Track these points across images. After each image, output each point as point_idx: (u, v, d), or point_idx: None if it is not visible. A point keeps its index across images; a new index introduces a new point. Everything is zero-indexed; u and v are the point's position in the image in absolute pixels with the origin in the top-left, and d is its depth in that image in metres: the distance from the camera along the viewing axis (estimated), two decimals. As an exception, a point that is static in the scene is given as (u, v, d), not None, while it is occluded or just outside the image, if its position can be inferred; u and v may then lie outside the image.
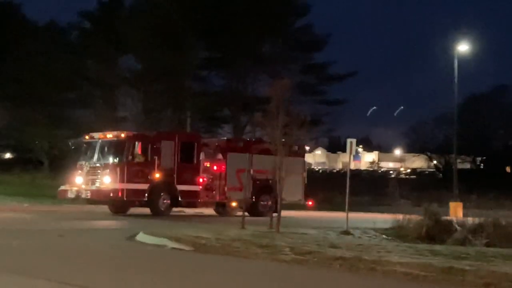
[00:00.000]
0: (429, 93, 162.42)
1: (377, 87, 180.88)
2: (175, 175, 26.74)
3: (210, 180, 28.13)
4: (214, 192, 28.21)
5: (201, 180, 27.96)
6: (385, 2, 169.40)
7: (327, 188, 43.57)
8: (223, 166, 28.38)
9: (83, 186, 25.94)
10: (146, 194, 25.68)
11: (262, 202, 28.93)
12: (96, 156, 26.14)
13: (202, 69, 58.10)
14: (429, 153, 76.87)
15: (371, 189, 45.55)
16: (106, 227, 23.63)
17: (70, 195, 26.41)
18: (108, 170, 25.47)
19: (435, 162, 75.83)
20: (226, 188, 28.35)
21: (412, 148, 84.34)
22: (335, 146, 74.12)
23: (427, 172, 79.01)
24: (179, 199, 27.03)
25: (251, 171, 27.13)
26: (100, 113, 58.29)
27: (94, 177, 25.83)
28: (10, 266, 12.02)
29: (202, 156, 28.39)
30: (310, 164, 68.86)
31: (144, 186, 25.67)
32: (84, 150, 27.42)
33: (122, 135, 26.09)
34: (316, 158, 75.57)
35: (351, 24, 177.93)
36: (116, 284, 11.25)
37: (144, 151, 26.00)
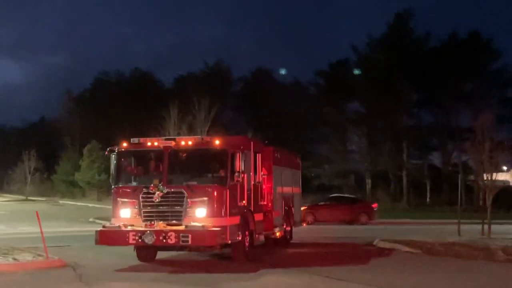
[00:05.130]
0: None
1: None
2: (252, 200, 14.88)
3: (265, 204, 16.47)
4: (266, 220, 16.25)
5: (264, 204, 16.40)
6: None
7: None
8: (271, 185, 16.80)
9: (158, 224, 12.84)
10: (239, 231, 13.78)
11: (287, 227, 18.52)
12: (167, 176, 13.31)
13: (414, 107, 57.56)
14: None
15: None
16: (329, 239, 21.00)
17: (138, 239, 12.71)
18: (206, 198, 12.98)
19: None
20: (273, 214, 16.78)
21: None
22: (531, 166, 69.33)
23: None
24: (255, 234, 14.99)
25: (282, 189, 17.96)
26: (333, 148, 59.55)
27: (178, 209, 13.00)
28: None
29: None
30: (508, 181, 64.45)
31: (237, 220, 13.71)
32: (137, 164, 14.37)
33: (217, 141, 13.47)
34: (514, 177, 70.61)
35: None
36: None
37: (238, 166, 13.65)
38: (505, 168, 30.56)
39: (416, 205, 50.24)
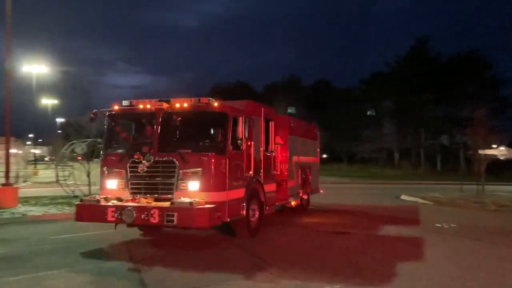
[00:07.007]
0: None
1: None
2: (262, 171, 9.52)
3: (279, 174, 11.12)
4: (279, 190, 11.08)
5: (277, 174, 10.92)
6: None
7: (510, 170, 41.05)
8: (286, 154, 11.48)
9: (139, 199, 7.71)
10: (244, 205, 8.55)
11: (303, 195, 13.29)
12: (158, 143, 7.91)
13: (430, 104, 56.95)
14: None
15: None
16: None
17: (118, 216, 7.31)
18: (200, 169, 7.58)
19: None
20: (288, 183, 11.55)
21: None
22: (514, 144, 66.99)
23: None
24: (265, 206, 9.64)
25: (299, 158, 12.45)
26: (372, 131, 59.70)
27: (168, 181, 7.71)
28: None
29: None
30: (495, 155, 62.87)
31: (241, 193, 8.51)
32: (127, 128, 8.88)
33: (216, 103, 7.92)
34: (500, 152, 68.33)
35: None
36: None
37: (240, 132, 8.41)
38: (494, 146, 30.59)
39: (430, 172, 50.41)
